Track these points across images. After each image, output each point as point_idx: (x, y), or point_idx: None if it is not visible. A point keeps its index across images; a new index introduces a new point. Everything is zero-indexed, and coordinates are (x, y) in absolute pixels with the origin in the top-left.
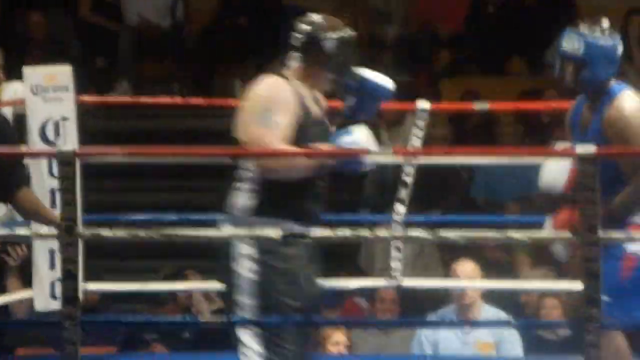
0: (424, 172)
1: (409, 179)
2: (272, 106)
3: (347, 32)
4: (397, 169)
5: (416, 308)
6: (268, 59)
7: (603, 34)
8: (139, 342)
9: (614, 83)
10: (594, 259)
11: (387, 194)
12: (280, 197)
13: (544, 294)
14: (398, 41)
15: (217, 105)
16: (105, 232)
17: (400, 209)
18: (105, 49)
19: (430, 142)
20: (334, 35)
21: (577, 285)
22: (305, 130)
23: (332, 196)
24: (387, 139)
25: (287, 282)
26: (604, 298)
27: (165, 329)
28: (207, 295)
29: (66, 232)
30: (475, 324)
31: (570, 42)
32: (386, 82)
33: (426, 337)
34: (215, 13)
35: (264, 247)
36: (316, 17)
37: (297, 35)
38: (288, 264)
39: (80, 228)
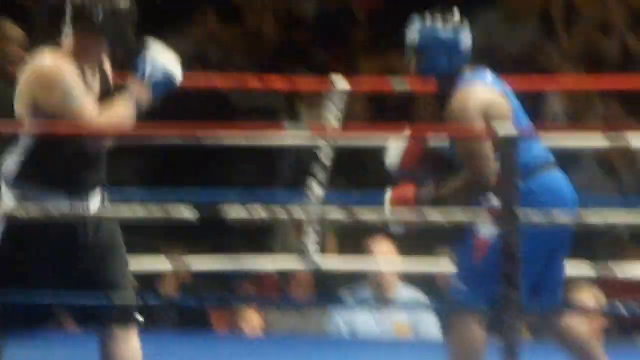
0: (342, 151)
1: (326, 158)
2: (68, 84)
3: (120, 3)
4: (315, 147)
5: (331, 286)
6: (179, 25)
7: (443, 25)
8: None
9: (468, 75)
10: (512, 241)
11: (305, 172)
12: (49, 164)
13: None
14: (316, 18)
15: None
16: (19, 212)
17: (317, 188)
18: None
19: (348, 120)
20: (103, 5)
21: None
22: None
23: (247, 174)
24: (306, 117)
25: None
26: (461, 286)
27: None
28: None
29: None
30: (392, 304)
31: (411, 32)
32: (173, 68)
33: (342, 317)
34: None
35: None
36: None
37: (70, 6)
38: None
39: None
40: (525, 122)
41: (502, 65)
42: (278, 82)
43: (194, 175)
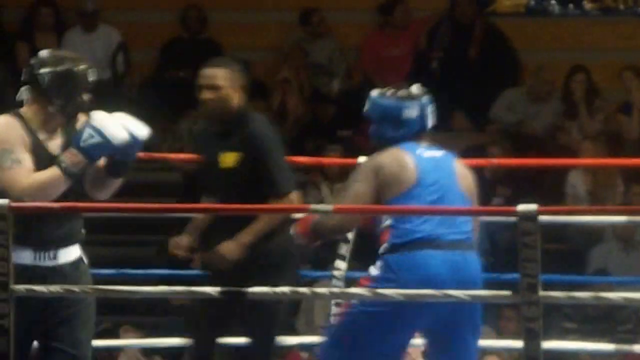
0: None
1: (350, 235)
2: (7, 146)
3: (69, 66)
4: None
5: None
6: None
7: (391, 95)
8: None
9: (401, 144)
10: (534, 318)
11: (329, 249)
12: (20, 223)
13: (484, 352)
14: (341, 96)
15: (159, 158)
16: (39, 288)
17: (341, 265)
18: None
19: None
20: (49, 69)
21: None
22: (38, 164)
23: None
24: (329, 194)
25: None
26: (326, 341)
27: None
28: (144, 351)
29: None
30: None
31: (367, 101)
32: (113, 132)
33: None
34: (156, 65)
35: None
36: (42, 53)
37: (24, 71)
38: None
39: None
40: (442, 197)
41: (525, 143)
42: (303, 159)
43: None
